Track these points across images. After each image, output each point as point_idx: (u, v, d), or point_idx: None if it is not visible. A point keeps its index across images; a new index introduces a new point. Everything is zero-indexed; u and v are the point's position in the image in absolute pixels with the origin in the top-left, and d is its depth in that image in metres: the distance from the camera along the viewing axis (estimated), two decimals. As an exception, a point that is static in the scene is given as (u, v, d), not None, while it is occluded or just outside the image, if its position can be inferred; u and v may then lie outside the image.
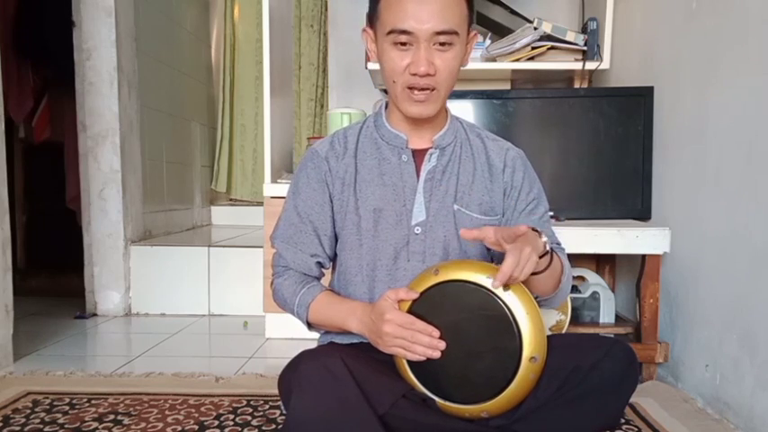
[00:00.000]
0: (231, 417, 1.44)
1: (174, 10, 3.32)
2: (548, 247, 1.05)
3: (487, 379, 1.02)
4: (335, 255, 1.25)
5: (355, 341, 1.17)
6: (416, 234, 1.16)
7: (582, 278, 1.93)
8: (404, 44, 1.06)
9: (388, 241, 1.17)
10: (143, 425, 1.39)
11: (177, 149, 3.36)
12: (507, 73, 2.31)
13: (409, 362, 1.04)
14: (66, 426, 1.39)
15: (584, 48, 2.13)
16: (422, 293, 1.03)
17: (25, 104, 2.89)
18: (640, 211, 1.90)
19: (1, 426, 1.38)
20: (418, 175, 1.18)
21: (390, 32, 1.06)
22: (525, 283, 1.03)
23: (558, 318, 1.74)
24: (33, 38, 2.80)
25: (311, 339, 1.32)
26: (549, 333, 1.10)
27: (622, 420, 1.39)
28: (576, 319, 1.86)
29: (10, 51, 2.68)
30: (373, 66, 2.15)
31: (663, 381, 1.74)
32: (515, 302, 1.00)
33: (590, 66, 2.13)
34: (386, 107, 1.23)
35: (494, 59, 2.18)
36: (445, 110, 1.21)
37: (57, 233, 3.04)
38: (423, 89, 1.08)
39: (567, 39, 2.11)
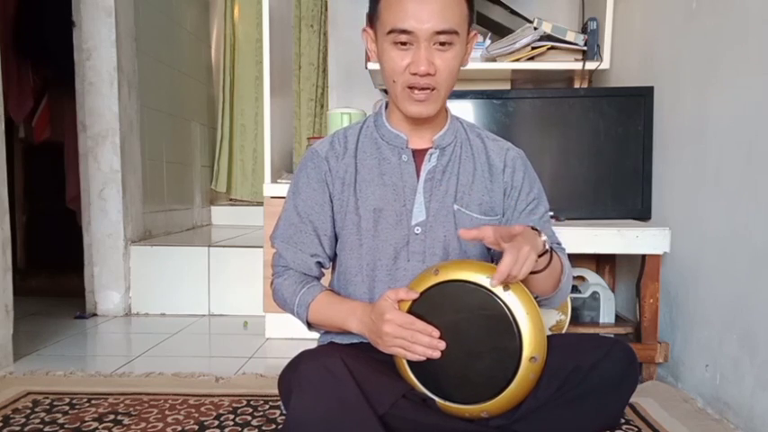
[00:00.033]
0: (231, 417, 1.44)
1: (174, 10, 3.32)
2: (547, 246, 1.05)
3: (487, 379, 1.02)
4: (335, 255, 1.25)
5: (355, 341, 1.17)
6: (416, 234, 1.16)
7: (582, 278, 1.93)
8: (404, 44, 1.06)
9: (388, 241, 1.17)
10: (143, 425, 1.39)
11: (177, 149, 3.36)
12: (507, 73, 2.31)
13: (409, 362, 1.04)
14: (66, 426, 1.39)
15: (585, 48, 2.13)
16: (422, 293, 1.03)
17: (25, 104, 2.89)
18: (640, 211, 1.90)
19: (1, 426, 1.38)
20: (418, 175, 1.18)
21: (390, 32, 1.06)
22: (525, 282, 1.03)
23: (558, 318, 1.74)
24: (33, 38, 2.80)
25: (311, 339, 1.32)
26: (549, 333, 1.10)
27: (622, 420, 1.39)
28: (575, 319, 1.86)
29: (10, 51, 2.68)
30: (373, 66, 2.15)
31: (663, 381, 1.74)
32: (515, 302, 1.00)
33: (590, 66, 2.13)
34: (386, 107, 1.23)
35: (494, 59, 2.18)
36: (445, 110, 1.21)
37: (57, 233, 3.04)
38: (423, 89, 1.08)
39: (567, 39, 2.11)
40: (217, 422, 1.40)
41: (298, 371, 1.01)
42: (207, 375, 1.74)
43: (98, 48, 2.54)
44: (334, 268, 1.29)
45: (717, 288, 1.52)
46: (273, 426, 1.39)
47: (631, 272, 1.96)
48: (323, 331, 1.24)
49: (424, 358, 1.01)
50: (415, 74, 1.06)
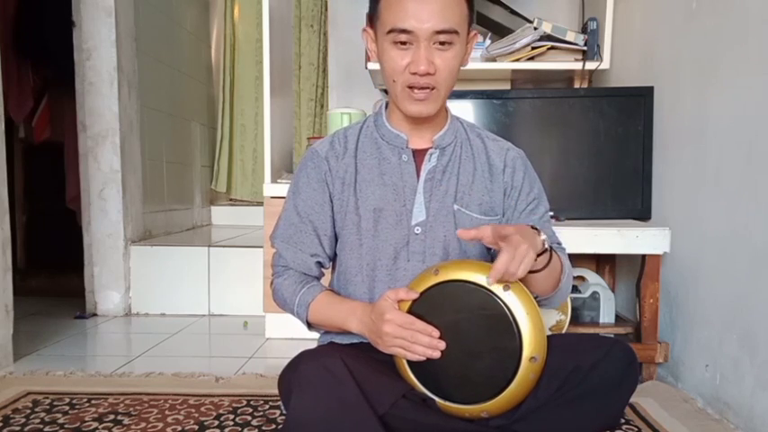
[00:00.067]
0: (231, 417, 1.44)
1: (174, 10, 3.32)
2: (546, 245, 1.05)
3: (487, 379, 1.02)
4: (335, 255, 1.25)
5: (355, 341, 1.17)
6: (416, 234, 1.16)
7: (582, 278, 1.93)
8: (404, 43, 1.06)
9: (388, 241, 1.17)
10: (143, 425, 1.39)
11: (177, 149, 3.36)
12: (507, 73, 2.32)
13: (409, 362, 1.04)
14: (66, 426, 1.39)
15: (585, 48, 2.13)
16: (422, 293, 1.03)
17: (25, 104, 2.89)
18: (640, 211, 1.90)
19: (1, 426, 1.38)
20: (418, 175, 1.18)
21: (390, 31, 1.06)
22: (524, 281, 1.03)
23: (558, 318, 1.74)
24: (33, 38, 2.80)
25: (311, 339, 1.32)
26: (549, 333, 1.10)
27: (622, 420, 1.39)
28: (575, 319, 1.86)
29: (10, 51, 2.68)
30: (373, 66, 2.15)
31: (663, 381, 1.74)
32: (515, 302, 1.00)
33: (590, 66, 2.13)
34: (386, 107, 1.23)
35: (494, 59, 2.18)
36: (445, 110, 1.21)
37: (57, 233, 3.04)
38: (423, 88, 1.08)
39: (567, 39, 2.11)
40: (217, 422, 1.40)
41: (298, 371, 1.01)
42: (207, 375, 1.74)
43: (98, 48, 2.54)
44: (334, 268, 1.29)
45: (717, 288, 1.52)
46: (273, 426, 1.39)
47: (631, 272, 1.96)
48: (323, 331, 1.24)
49: (424, 358, 1.01)
50: (414, 73, 1.06)
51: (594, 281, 1.91)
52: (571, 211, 1.90)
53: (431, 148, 1.19)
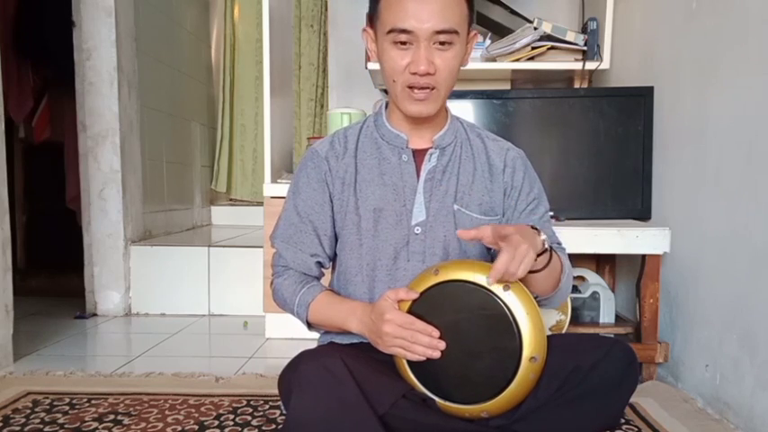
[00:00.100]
0: (231, 417, 1.44)
1: (174, 10, 3.32)
2: (546, 245, 1.05)
3: (487, 379, 1.02)
4: (335, 255, 1.25)
5: (355, 341, 1.17)
6: (416, 234, 1.16)
7: (582, 278, 1.93)
8: (404, 43, 1.06)
9: (388, 241, 1.17)
10: (143, 425, 1.39)
11: (177, 149, 3.36)
12: (507, 73, 2.32)
13: (409, 362, 1.04)
14: (66, 426, 1.39)
15: (584, 48, 2.13)
16: (422, 293, 1.03)
17: (25, 104, 2.89)
18: (640, 211, 1.90)
19: (1, 426, 1.38)
20: (418, 175, 1.18)
21: (390, 31, 1.06)
22: (524, 281, 1.03)
23: (558, 318, 1.74)
24: (33, 38, 2.80)
25: (311, 339, 1.32)
26: (549, 333, 1.10)
27: (622, 420, 1.39)
28: (575, 319, 1.86)
29: (10, 51, 2.68)
30: (373, 66, 2.15)
31: (663, 381, 1.74)
32: (515, 302, 1.00)
33: (590, 66, 2.13)
34: (386, 107, 1.23)
35: (494, 59, 2.18)
36: (445, 110, 1.21)
37: (57, 233, 3.04)
38: (423, 88, 1.08)
39: (567, 39, 2.11)
40: (217, 422, 1.40)
41: (298, 371, 1.01)
42: (207, 375, 1.74)
43: (98, 48, 2.54)
44: (334, 268, 1.29)
45: (717, 288, 1.52)
46: (273, 426, 1.39)
47: (631, 272, 1.96)
48: (323, 331, 1.24)
49: (424, 358, 1.01)
50: (414, 73, 1.06)
51: (594, 281, 1.91)
52: (571, 211, 1.90)
53: (431, 148, 1.19)
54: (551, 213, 1.36)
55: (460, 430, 1.06)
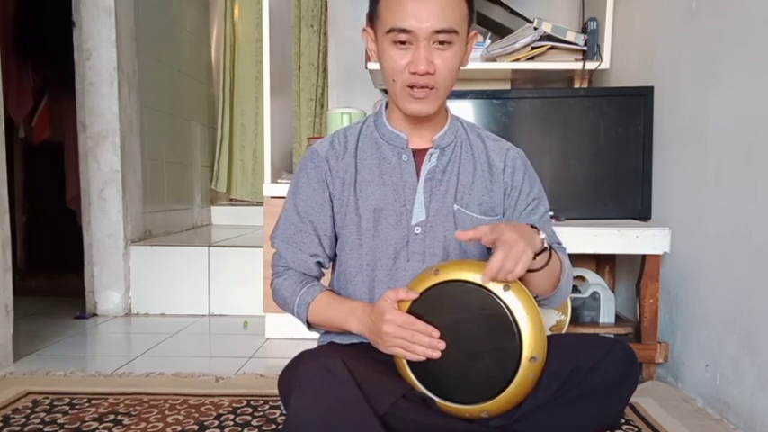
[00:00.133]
0: (231, 417, 1.44)
1: (173, 10, 3.32)
2: (545, 244, 1.05)
3: (487, 379, 1.02)
4: (335, 255, 1.25)
5: (355, 341, 1.17)
6: (416, 234, 1.16)
7: (582, 278, 1.93)
8: (403, 43, 1.06)
9: (388, 241, 1.17)
10: (143, 425, 1.39)
11: (177, 149, 3.36)
12: (507, 73, 2.31)
13: (409, 362, 1.04)
14: (66, 426, 1.39)
15: (584, 48, 2.13)
16: (422, 293, 1.03)
17: (25, 104, 2.89)
18: (640, 211, 1.90)
19: (1, 426, 1.38)
20: (418, 175, 1.18)
21: (390, 31, 1.06)
22: (523, 280, 1.03)
23: (558, 318, 1.74)
24: (33, 38, 2.80)
25: (311, 339, 1.32)
26: (549, 333, 1.10)
27: (622, 420, 1.39)
28: (575, 319, 1.86)
29: (10, 51, 2.68)
30: (373, 66, 2.15)
31: (663, 381, 1.74)
32: (515, 302, 1.00)
33: (590, 66, 2.13)
34: (386, 107, 1.23)
35: (494, 59, 2.18)
36: (445, 110, 1.21)
37: (57, 233, 3.04)
38: (422, 87, 1.08)
39: (567, 39, 2.11)
40: (217, 422, 1.40)
41: (298, 371, 1.01)
42: (207, 375, 1.74)
43: (98, 48, 2.54)
44: (334, 268, 1.29)
45: (717, 288, 1.52)
46: (273, 426, 1.39)
47: (631, 272, 1.96)
48: (323, 331, 1.24)
49: (423, 358, 1.01)
50: (414, 73, 1.06)
51: (594, 281, 1.91)
52: (571, 211, 1.90)
53: (431, 148, 1.19)
54: (551, 213, 1.36)
55: (460, 430, 1.06)
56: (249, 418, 1.43)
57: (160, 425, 1.39)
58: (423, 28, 1.04)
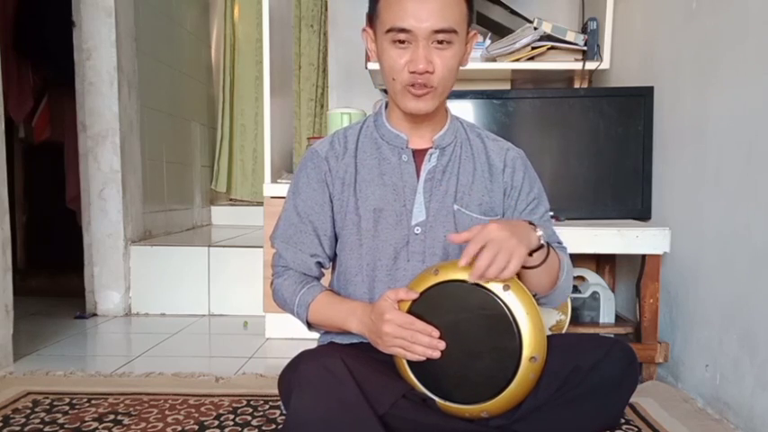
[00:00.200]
0: (231, 417, 1.44)
1: (174, 10, 3.32)
2: (542, 242, 1.05)
3: (487, 379, 1.02)
4: (335, 255, 1.25)
5: (355, 341, 1.17)
6: (416, 234, 1.16)
7: (582, 278, 1.93)
8: (402, 42, 1.06)
9: (388, 241, 1.17)
10: (143, 425, 1.39)
11: (177, 149, 3.36)
12: (507, 73, 2.31)
13: (409, 362, 1.04)
14: (66, 426, 1.39)
15: (584, 48, 2.13)
16: (422, 293, 1.03)
17: (25, 104, 2.89)
18: (640, 211, 1.90)
19: (1, 426, 1.38)
20: (418, 175, 1.18)
21: (389, 30, 1.06)
22: (519, 277, 1.03)
23: (558, 318, 1.74)
24: (33, 38, 2.80)
25: (311, 339, 1.32)
26: (549, 333, 1.10)
27: (622, 420, 1.39)
28: (576, 319, 1.86)
29: (10, 51, 2.69)
30: (373, 66, 2.15)
31: (663, 381, 1.74)
32: (515, 302, 1.00)
33: (590, 66, 2.13)
34: (386, 107, 1.24)
35: (494, 59, 2.18)
36: (445, 109, 1.21)
37: (57, 233, 3.04)
38: (422, 86, 1.08)
39: (567, 39, 2.11)
40: (217, 422, 1.40)
41: (298, 371, 1.01)
42: (207, 375, 1.74)
43: (98, 48, 2.54)
44: (334, 268, 1.29)
45: (717, 288, 1.52)
46: (273, 426, 1.39)
47: (631, 272, 1.96)
48: (323, 331, 1.24)
49: (423, 358, 1.01)
50: (413, 72, 1.06)
51: (594, 281, 1.91)
52: (571, 211, 1.90)
53: (431, 148, 1.19)
54: (551, 213, 1.36)
55: (460, 430, 1.06)
56: (249, 418, 1.43)
57: (160, 425, 1.39)
58: (422, 27, 1.04)
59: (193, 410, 1.47)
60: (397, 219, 1.17)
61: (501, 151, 1.23)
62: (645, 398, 1.55)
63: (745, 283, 1.39)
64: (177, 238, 3.01)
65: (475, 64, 2.15)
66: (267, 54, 2.21)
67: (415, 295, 1.03)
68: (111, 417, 1.44)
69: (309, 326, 1.21)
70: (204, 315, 2.60)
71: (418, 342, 1.01)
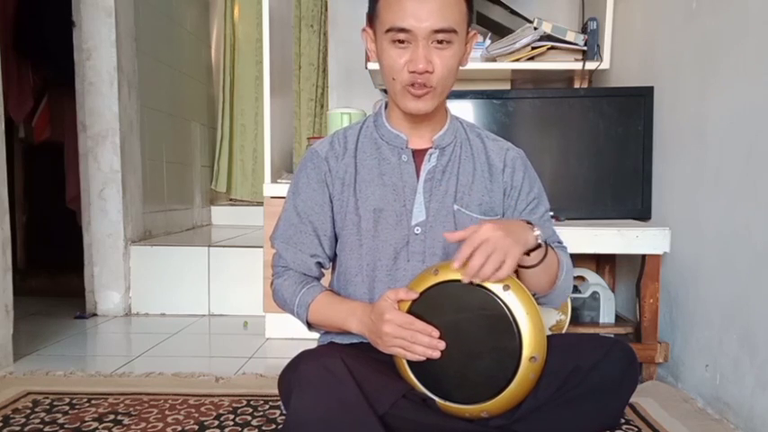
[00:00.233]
0: (231, 417, 1.44)
1: (173, 10, 3.32)
2: (539, 241, 1.05)
3: (487, 379, 1.02)
4: (335, 255, 1.25)
5: (355, 341, 1.17)
6: (416, 234, 1.16)
7: (582, 278, 1.93)
8: (402, 42, 1.06)
9: (388, 241, 1.17)
10: (143, 425, 1.39)
11: (177, 149, 3.36)
12: (507, 73, 2.31)
13: (409, 362, 1.04)
14: (66, 426, 1.39)
15: (584, 48, 2.13)
16: (421, 293, 1.03)
17: (25, 104, 2.89)
18: (640, 211, 1.90)
19: (1, 426, 1.38)
20: (418, 176, 1.18)
21: (389, 30, 1.06)
22: (517, 276, 1.03)
23: (558, 318, 1.74)
24: (33, 38, 2.80)
25: (311, 339, 1.32)
26: (549, 333, 1.10)
27: (622, 420, 1.39)
28: (576, 319, 1.86)
29: (10, 51, 2.68)
30: (373, 66, 2.15)
31: (663, 381, 1.74)
32: (515, 302, 1.00)
33: (590, 66, 2.13)
34: (386, 107, 1.23)
35: (494, 59, 2.18)
36: (445, 109, 1.21)
37: (57, 233, 3.04)
38: (421, 86, 1.08)
39: (567, 39, 2.11)
40: (217, 422, 1.40)
41: (298, 371, 1.01)
42: (207, 375, 1.74)
43: (98, 48, 2.54)
44: (334, 268, 1.29)
45: (717, 288, 1.52)
46: (273, 426, 1.39)
47: (631, 272, 1.96)
48: (323, 331, 1.24)
49: (423, 358, 1.01)
50: (413, 72, 1.06)
51: (594, 281, 1.91)
52: (571, 211, 1.90)
53: (430, 148, 1.19)
54: (551, 213, 1.36)
55: (460, 430, 1.06)
56: (249, 418, 1.43)
57: (160, 425, 1.39)
58: (421, 27, 1.04)
59: (193, 410, 1.47)
60: (396, 219, 1.17)
61: (501, 151, 1.23)
62: (645, 398, 1.55)
63: (745, 283, 1.39)
64: (177, 238, 3.01)
65: (475, 64, 2.16)
66: (267, 54, 2.21)
67: (414, 295, 1.03)
68: (111, 417, 1.44)
69: (309, 326, 1.21)
70: (204, 315, 2.60)
71: (418, 342, 1.01)
